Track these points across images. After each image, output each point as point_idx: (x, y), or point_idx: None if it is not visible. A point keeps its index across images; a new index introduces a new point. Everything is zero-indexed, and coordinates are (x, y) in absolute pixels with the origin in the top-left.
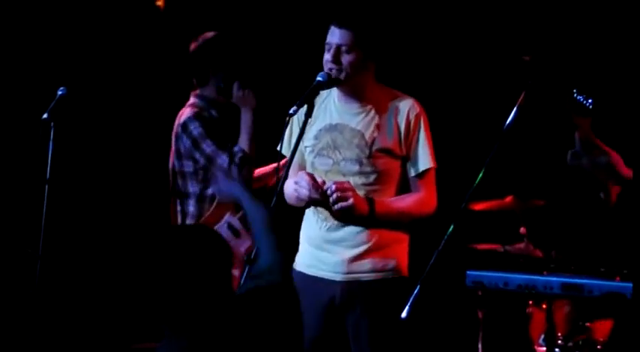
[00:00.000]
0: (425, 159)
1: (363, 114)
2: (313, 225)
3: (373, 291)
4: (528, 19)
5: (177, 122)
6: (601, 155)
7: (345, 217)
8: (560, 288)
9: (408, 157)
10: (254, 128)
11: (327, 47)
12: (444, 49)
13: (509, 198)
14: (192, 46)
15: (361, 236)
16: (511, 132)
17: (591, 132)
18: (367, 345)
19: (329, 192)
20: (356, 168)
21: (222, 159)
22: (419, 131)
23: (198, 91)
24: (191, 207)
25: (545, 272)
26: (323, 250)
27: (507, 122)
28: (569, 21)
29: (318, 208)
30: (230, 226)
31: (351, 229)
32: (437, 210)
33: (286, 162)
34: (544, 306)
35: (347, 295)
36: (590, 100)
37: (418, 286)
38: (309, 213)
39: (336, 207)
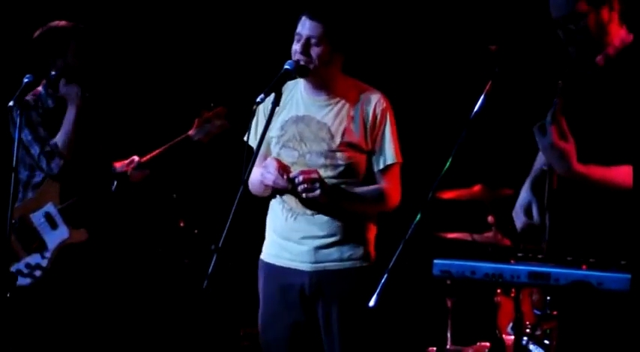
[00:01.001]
0: (390, 154)
1: (330, 107)
2: (279, 215)
3: (341, 280)
4: (494, 9)
5: None
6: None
7: (311, 205)
8: (527, 277)
9: (373, 151)
10: (75, 124)
11: (296, 37)
12: (410, 40)
13: (477, 187)
14: (36, 32)
15: (328, 225)
16: (478, 121)
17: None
18: (337, 333)
19: (296, 181)
20: (321, 161)
21: (34, 150)
22: (385, 125)
23: (44, 80)
24: (20, 194)
25: (512, 261)
26: (290, 240)
27: (474, 110)
28: (534, 9)
29: (284, 198)
30: (48, 216)
31: (317, 219)
32: (402, 201)
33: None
34: (513, 295)
35: (316, 284)
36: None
37: (386, 275)
38: (275, 203)
39: (303, 195)
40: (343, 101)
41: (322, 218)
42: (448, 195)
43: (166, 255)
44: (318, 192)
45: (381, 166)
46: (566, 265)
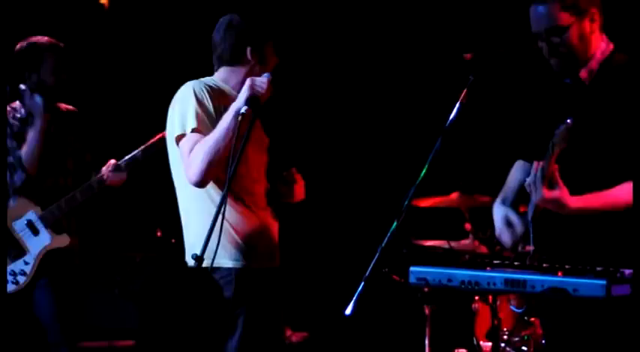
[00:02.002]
0: None
1: None
2: (251, 219)
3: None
4: (468, 17)
5: None
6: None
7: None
8: (503, 284)
9: None
10: (40, 137)
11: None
12: (386, 49)
13: (454, 195)
14: (17, 45)
15: (275, 224)
16: (454, 129)
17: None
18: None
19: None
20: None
21: (9, 159)
22: None
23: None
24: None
25: (488, 268)
26: (264, 240)
27: (450, 119)
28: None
29: (246, 201)
30: (29, 223)
31: (268, 217)
32: (379, 209)
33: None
34: (490, 302)
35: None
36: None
37: (362, 283)
38: (241, 209)
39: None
40: None
41: (271, 215)
42: (425, 202)
43: (144, 264)
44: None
45: None
46: (542, 272)
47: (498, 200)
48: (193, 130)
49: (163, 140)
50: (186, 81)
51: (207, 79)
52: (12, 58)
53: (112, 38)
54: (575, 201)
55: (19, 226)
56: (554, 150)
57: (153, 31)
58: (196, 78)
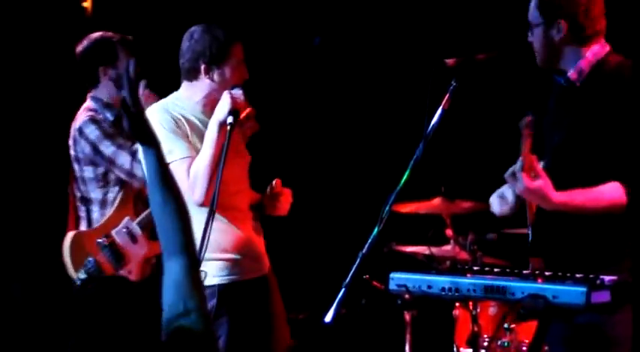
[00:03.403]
0: None
1: None
2: (232, 232)
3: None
4: (451, 23)
5: (73, 126)
6: (534, 180)
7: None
8: (483, 291)
9: None
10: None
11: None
12: (368, 54)
13: (436, 200)
14: (79, 48)
15: (260, 229)
16: (436, 134)
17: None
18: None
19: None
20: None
21: (123, 159)
22: None
23: (92, 93)
24: (95, 213)
25: (468, 275)
26: (249, 251)
27: (432, 124)
28: (492, 24)
29: (226, 213)
30: (129, 231)
31: (250, 228)
32: (360, 215)
33: None
34: (471, 308)
35: (271, 285)
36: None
37: (343, 289)
38: (223, 220)
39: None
40: None
41: (256, 224)
42: (406, 208)
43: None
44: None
45: None
46: (522, 278)
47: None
48: (182, 157)
49: None
50: (168, 86)
51: (169, 101)
52: (78, 57)
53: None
54: (559, 196)
55: (119, 235)
56: (523, 141)
57: (136, 35)
58: (175, 88)
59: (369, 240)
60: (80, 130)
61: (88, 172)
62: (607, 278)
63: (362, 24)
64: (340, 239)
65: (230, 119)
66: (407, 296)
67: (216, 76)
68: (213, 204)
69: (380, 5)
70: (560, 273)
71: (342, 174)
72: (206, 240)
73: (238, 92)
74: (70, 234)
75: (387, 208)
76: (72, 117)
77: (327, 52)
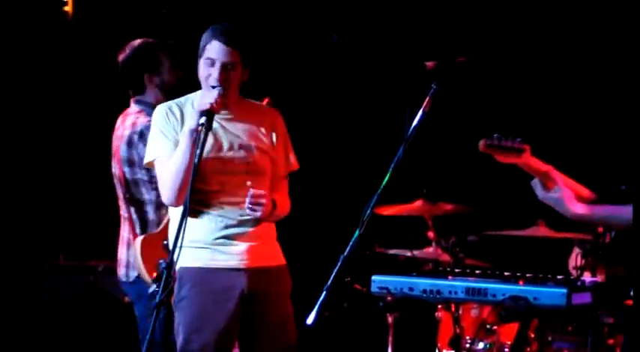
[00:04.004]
0: (294, 161)
1: (237, 120)
2: (206, 226)
3: (273, 277)
4: (431, 26)
5: (125, 129)
6: (552, 191)
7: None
8: (465, 292)
9: (275, 158)
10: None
11: (208, 62)
12: (348, 58)
13: (417, 203)
14: (121, 57)
15: (257, 229)
16: (417, 137)
17: (536, 161)
18: (274, 328)
19: (247, 200)
20: (244, 168)
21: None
22: (285, 133)
23: (137, 97)
24: (151, 215)
25: (450, 277)
26: (223, 244)
27: (412, 127)
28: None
29: (213, 209)
30: None
31: (248, 224)
32: (341, 218)
33: None
34: (453, 310)
35: (253, 281)
36: (517, 139)
37: (324, 292)
38: (198, 218)
39: (249, 212)
40: (244, 113)
41: (252, 221)
42: (388, 210)
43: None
44: (258, 213)
45: (286, 173)
46: (503, 280)
47: None
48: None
49: None
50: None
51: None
52: (122, 64)
53: (76, 46)
54: (579, 208)
55: None
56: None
57: (117, 39)
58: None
59: (350, 243)
60: (141, 133)
61: (142, 174)
62: (588, 279)
63: (342, 26)
64: (321, 242)
65: (202, 120)
66: (389, 298)
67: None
68: (186, 206)
69: (360, 7)
70: (541, 275)
71: (323, 177)
72: (180, 241)
73: (215, 92)
74: (139, 239)
75: (369, 211)
76: (51, 119)
77: (306, 55)
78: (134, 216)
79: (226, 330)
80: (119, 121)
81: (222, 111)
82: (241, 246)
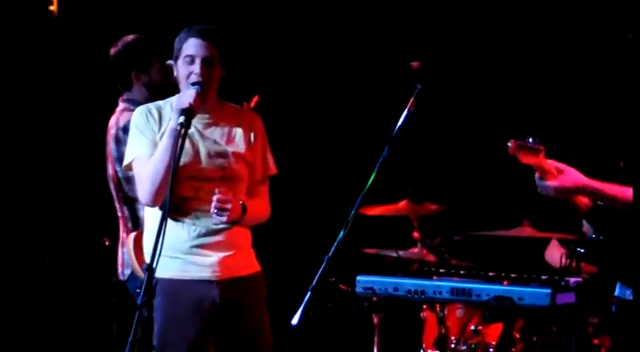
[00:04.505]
0: (272, 165)
1: (215, 124)
2: (179, 233)
3: (247, 287)
4: (416, 26)
5: (111, 128)
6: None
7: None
8: (449, 293)
9: (253, 163)
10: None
11: (187, 59)
12: (333, 58)
13: (402, 203)
14: (113, 51)
15: (230, 238)
16: (402, 137)
17: (547, 164)
18: (248, 338)
19: (212, 205)
20: (219, 173)
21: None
22: (263, 138)
23: (125, 96)
24: (141, 212)
25: (434, 277)
26: (195, 254)
27: (397, 127)
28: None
29: (185, 216)
30: None
31: (221, 233)
32: (326, 218)
33: None
34: (438, 310)
35: (226, 293)
36: (537, 140)
37: (309, 293)
38: (172, 222)
39: (214, 216)
40: (224, 117)
41: (224, 231)
42: (373, 211)
43: (92, 273)
44: (224, 218)
45: (263, 178)
46: (488, 280)
47: None
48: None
49: None
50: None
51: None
52: (112, 61)
53: (62, 46)
54: (592, 181)
55: None
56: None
57: (102, 38)
58: None
59: (335, 243)
60: (125, 128)
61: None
62: (572, 279)
63: (328, 25)
64: (306, 242)
65: (181, 119)
66: (374, 298)
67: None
68: (166, 207)
69: (344, 7)
70: (525, 275)
71: (308, 177)
72: (160, 244)
73: (192, 91)
74: (131, 236)
75: (354, 211)
76: (36, 118)
77: (289, 53)
78: (127, 214)
79: (197, 342)
80: (110, 122)
81: (201, 115)
82: (213, 257)
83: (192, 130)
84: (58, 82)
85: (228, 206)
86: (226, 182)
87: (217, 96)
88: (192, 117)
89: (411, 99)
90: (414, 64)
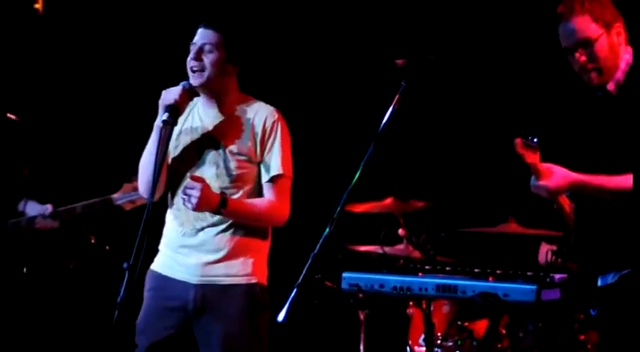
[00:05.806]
0: (277, 165)
1: (222, 120)
2: (172, 229)
3: (227, 296)
4: (402, 24)
5: None
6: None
7: (202, 219)
8: (435, 289)
9: (262, 163)
10: None
11: (191, 48)
12: (317, 55)
13: (388, 200)
14: None
15: (217, 241)
16: (386, 134)
17: (540, 165)
18: (223, 349)
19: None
20: (213, 170)
21: None
22: (275, 137)
23: None
24: None
25: (420, 274)
26: (179, 254)
27: (382, 124)
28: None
29: (177, 213)
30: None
31: (206, 235)
32: (312, 215)
33: None
34: (424, 306)
35: (200, 298)
36: (535, 139)
37: (295, 290)
38: (170, 217)
39: (183, 205)
40: (235, 114)
41: (211, 234)
42: (359, 208)
43: (78, 272)
44: (194, 200)
45: (268, 178)
46: (473, 277)
47: None
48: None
49: (107, 202)
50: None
51: None
52: None
53: (47, 43)
54: (580, 175)
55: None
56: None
57: (87, 36)
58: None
59: (321, 240)
60: None
61: None
62: (557, 275)
63: (313, 22)
64: (292, 239)
65: (165, 116)
66: (359, 295)
67: None
68: (151, 197)
69: (333, 4)
70: (511, 271)
71: (293, 174)
72: (143, 242)
73: (178, 88)
74: None
75: (339, 208)
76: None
77: (275, 51)
78: None
79: (163, 340)
80: None
81: (214, 114)
82: (193, 259)
83: (195, 124)
84: (43, 80)
85: (195, 193)
86: (222, 180)
87: (234, 89)
88: (178, 113)
89: (396, 97)
90: (399, 61)
